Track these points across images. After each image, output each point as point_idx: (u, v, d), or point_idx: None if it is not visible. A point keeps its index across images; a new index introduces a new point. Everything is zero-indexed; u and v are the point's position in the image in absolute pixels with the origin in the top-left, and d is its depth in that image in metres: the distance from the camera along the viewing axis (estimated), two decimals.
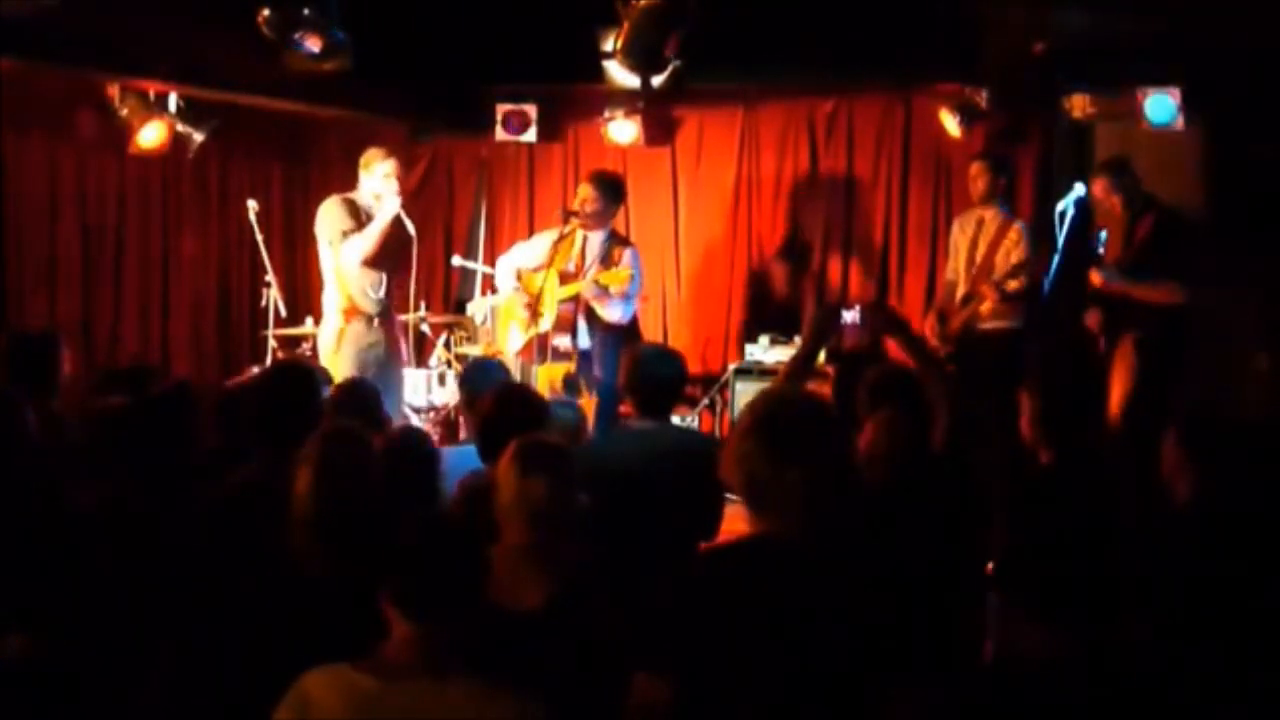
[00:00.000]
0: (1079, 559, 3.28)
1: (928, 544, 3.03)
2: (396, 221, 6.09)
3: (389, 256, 6.21)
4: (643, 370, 4.14)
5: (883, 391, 3.76)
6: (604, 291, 6.32)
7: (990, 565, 3.48)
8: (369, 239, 6.07)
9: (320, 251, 6.26)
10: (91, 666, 2.30)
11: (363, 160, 6.23)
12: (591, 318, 6.44)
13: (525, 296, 6.44)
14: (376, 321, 6.19)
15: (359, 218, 6.14)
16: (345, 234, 6.09)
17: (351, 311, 6.15)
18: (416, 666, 2.25)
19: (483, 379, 4.55)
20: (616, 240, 6.60)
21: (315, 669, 2.27)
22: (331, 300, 6.25)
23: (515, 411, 3.70)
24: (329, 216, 6.17)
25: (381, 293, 6.20)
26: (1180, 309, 5.82)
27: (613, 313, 6.40)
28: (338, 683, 2.24)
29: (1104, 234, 6.04)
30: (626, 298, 6.43)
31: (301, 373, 3.96)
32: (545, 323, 6.34)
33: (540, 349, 6.36)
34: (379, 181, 6.12)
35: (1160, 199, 6.03)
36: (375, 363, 6.11)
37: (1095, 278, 5.91)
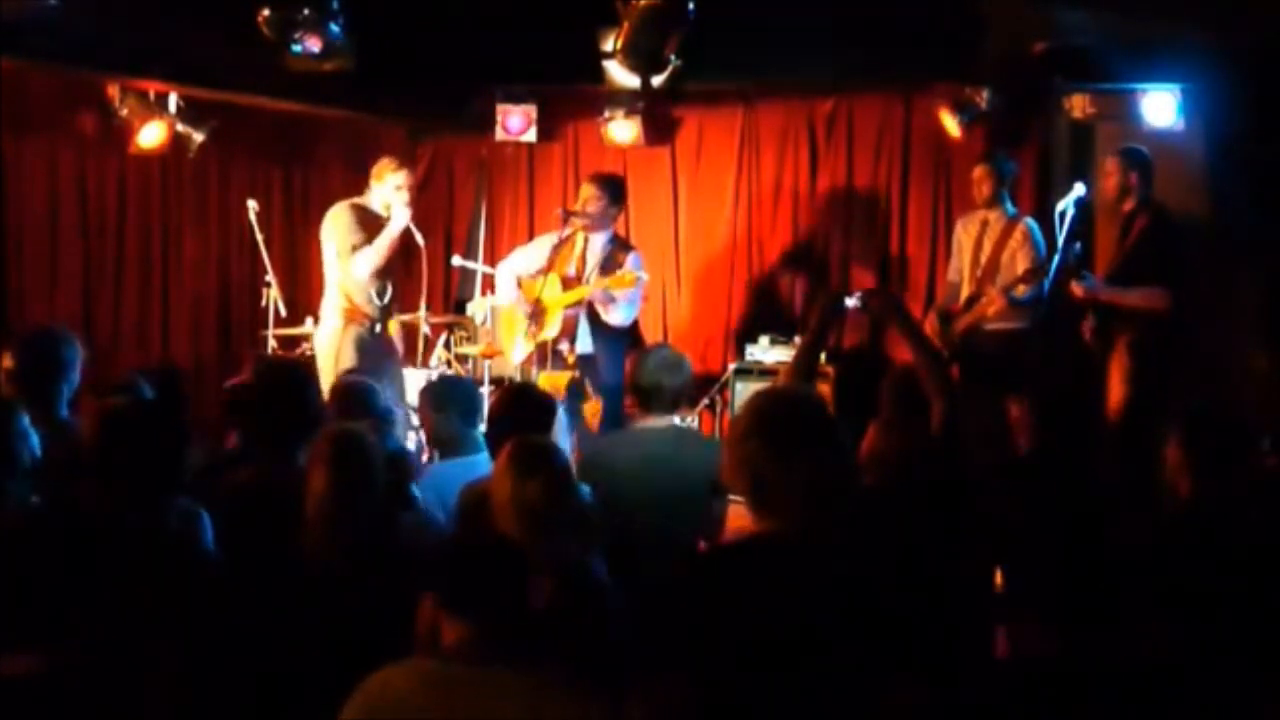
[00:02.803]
0: (1081, 559, 3.29)
1: (930, 543, 3.03)
2: (405, 231, 6.11)
3: (395, 264, 6.24)
4: (647, 370, 4.16)
5: (906, 391, 3.76)
6: (609, 297, 6.30)
7: (993, 564, 3.48)
8: (379, 252, 6.08)
9: (325, 257, 6.25)
10: (102, 680, 2.30)
11: (375, 170, 6.23)
12: (594, 322, 6.41)
13: (527, 305, 6.39)
14: (377, 327, 6.19)
15: (368, 227, 6.13)
16: (355, 247, 6.08)
17: (352, 314, 6.16)
18: (487, 656, 2.31)
19: (446, 394, 4.54)
20: (619, 245, 6.56)
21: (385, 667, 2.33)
22: (331, 303, 6.25)
23: (522, 411, 3.72)
24: (338, 226, 6.15)
25: (387, 299, 6.19)
26: (1169, 312, 5.82)
27: (615, 316, 6.36)
28: (409, 669, 2.32)
29: (1078, 246, 6.05)
30: (631, 302, 6.40)
31: (295, 373, 3.96)
32: (550, 331, 6.31)
33: (541, 356, 6.33)
34: (390, 192, 6.12)
35: (1158, 201, 6.03)
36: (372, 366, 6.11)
37: (1076, 290, 5.94)
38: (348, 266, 6.11)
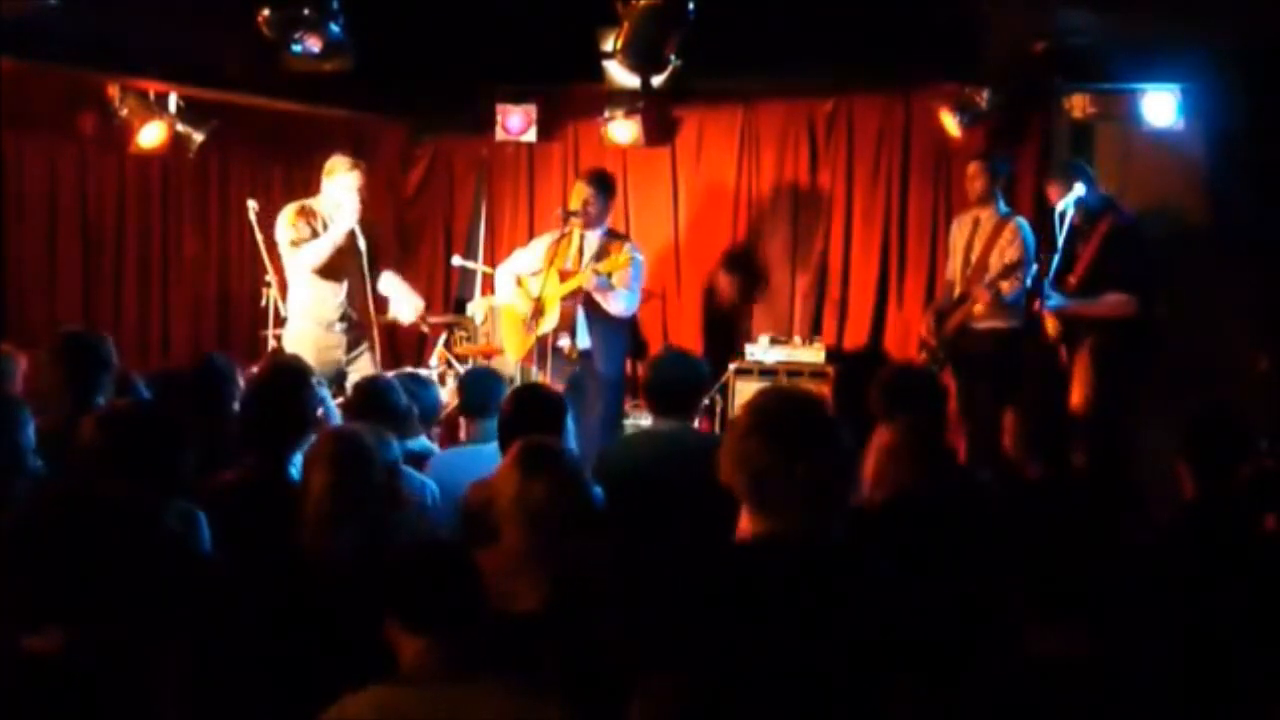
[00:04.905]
0: (1079, 561, 3.29)
1: (937, 546, 3.03)
2: (350, 233, 5.99)
3: (344, 266, 6.08)
4: (662, 373, 4.16)
5: (899, 394, 3.75)
6: (607, 283, 6.24)
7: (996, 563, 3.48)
8: (321, 250, 5.98)
9: (282, 257, 6.23)
10: (120, 663, 2.31)
11: (326, 167, 6.12)
12: (591, 314, 6.37)
13: (527, 304, 6.35)
14: (338, 328, 6.12)
15: (313, 225, 6.05)
16: (295, 243, 6.02)
17: (311, 317, 6.12)
18: (438, 672, 2.30)
19: (481, 388, 4.56)
20: (613, 235, 6.55)
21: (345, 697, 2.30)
22: (292, 305, 6.22)
23: (533, 412, 3.71)
24: (284, 224, 6.09)
25: (340, 298, 6.09)
26: (1137, 316, 5.83)
27: (616, 305, 6.30)
28: (365, 700, 2.28)
29: (1038, 263, 6.08)
30: (631, 289, 6.36)
31: (294, 374, 3.94)
32: (549, 323, 6.27)
33: (542, 352, 6.29)
34: (341, 192, 6.01)
35: (1120, 205, 6.03)
36: (335, 368, 6.04)
37: (1037, 306, 5.97)
38: (289, 263, 6.09)
